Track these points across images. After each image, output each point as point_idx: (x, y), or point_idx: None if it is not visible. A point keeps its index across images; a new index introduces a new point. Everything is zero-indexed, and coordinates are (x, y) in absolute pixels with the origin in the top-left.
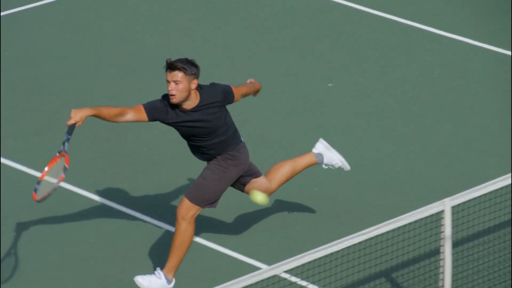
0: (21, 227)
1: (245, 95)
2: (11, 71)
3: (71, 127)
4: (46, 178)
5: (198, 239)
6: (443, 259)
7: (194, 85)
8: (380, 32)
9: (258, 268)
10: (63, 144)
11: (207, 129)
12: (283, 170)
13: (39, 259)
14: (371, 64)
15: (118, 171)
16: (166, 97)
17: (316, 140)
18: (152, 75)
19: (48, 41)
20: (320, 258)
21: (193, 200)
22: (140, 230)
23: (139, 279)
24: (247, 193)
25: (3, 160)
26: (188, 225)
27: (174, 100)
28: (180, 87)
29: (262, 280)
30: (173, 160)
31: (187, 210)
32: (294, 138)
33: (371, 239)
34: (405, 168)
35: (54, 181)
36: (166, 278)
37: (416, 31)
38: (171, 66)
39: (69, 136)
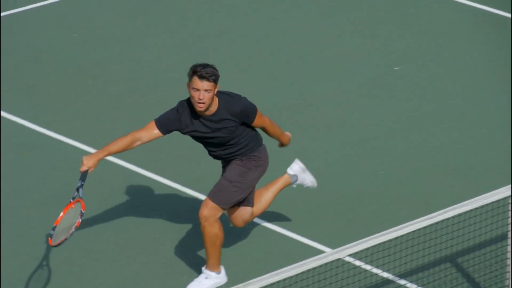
0: (89, 208)
1: (267, 131)
2: (79, 53)
3: (84, 174)
4: (62, 223)
5: (262, 222)
6: (509, 244)
7: (215, 91)
8: (449, 15)
9: (321, 252)
10: (77, 190)
11: (218, 139)
12: (266, 197)
13: (108, 239)
14: (439, 48)
15: (184, 153)
16: (182, 104)
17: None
18: (217, 60)
19: (113, 23)
20: (384, 242)
21: (218, 202)
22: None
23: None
24: (230, 218)
25: (71, 142)
26: (211, 227)
27: (203, 108)
28: (210, 95)
29: (326, 264)
30: None
31: (210, 212)
32: (362, 122)
33: (436, 223)
34: (472, 152)
35: (70, 226)
36: (213, 273)
37: (486, 14)
38: (204, 75)
39: (82, 183)
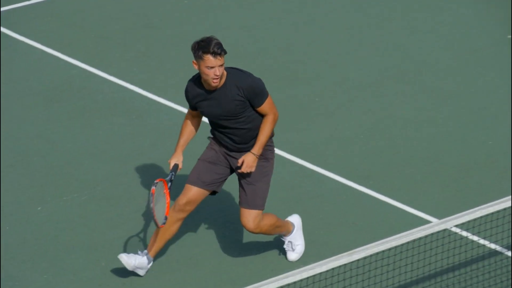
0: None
1: (265, 122)
2: (188, 20)
3: (174, 168)
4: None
5: (368, 191)
6: None
7: None
8: None
9: (428, 222)
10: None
11: (227, 113)
12: (273, 219)
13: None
14: None
15: (290, 120)
16: (192, 80)
17: None
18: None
19: None
20: (492, 214)
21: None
22: (309, 180)
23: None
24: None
25: (181, 108)
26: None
27: (217, 84)
28: (223, 69)
29: (432, 234)
30: (346, 110)
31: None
32: (475, 92)
33: None
34: None
35: (163, 200)
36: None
37: None
38: (217, 52)
39: (173, 173)
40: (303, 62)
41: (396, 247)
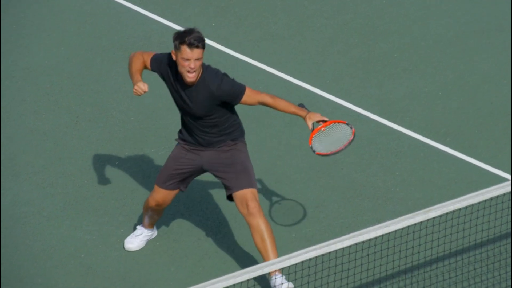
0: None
1: (272, 106)
2: None
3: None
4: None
5: (446, 149)
6: None
7: None
8: None
9: (506, 180)
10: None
11: (195, 111)
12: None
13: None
14: None
15: (368, 76)
16: (169, 56)
17: None
18: None
19: None
20: None
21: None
22: (386, 137)
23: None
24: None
25: (258, 64)
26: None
27: (193, 78)
28: (200, 63)
29: (510, 192)
30: (424, 66)
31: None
32: None
33: None
34: None
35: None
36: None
37: None
38: (194, 44)
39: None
40: (382, 17)
41: (473, 205)
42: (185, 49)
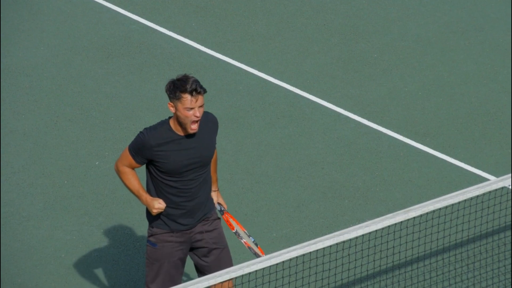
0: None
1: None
2: None
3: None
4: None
5: (426, 149)
6: None
7: None
8: None
9: (486, 179)
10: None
11: (203, 154)
12: None
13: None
14: None
15: (348, 77)
16: (150, 128)
17: None
18: None
19: None
20: None
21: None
22: (366, 137)
23: None
24: None
25: (238, 64)
26: None
27: (197, 128)
28: (202, 110)
29: (490, 192)
30: (404, 66)
31: None
32: None
33: None
34: None
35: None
36: None
37: None
38: (197, 90)
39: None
40: (362, 18)
41: (452, 204)
42: (187, 97)
